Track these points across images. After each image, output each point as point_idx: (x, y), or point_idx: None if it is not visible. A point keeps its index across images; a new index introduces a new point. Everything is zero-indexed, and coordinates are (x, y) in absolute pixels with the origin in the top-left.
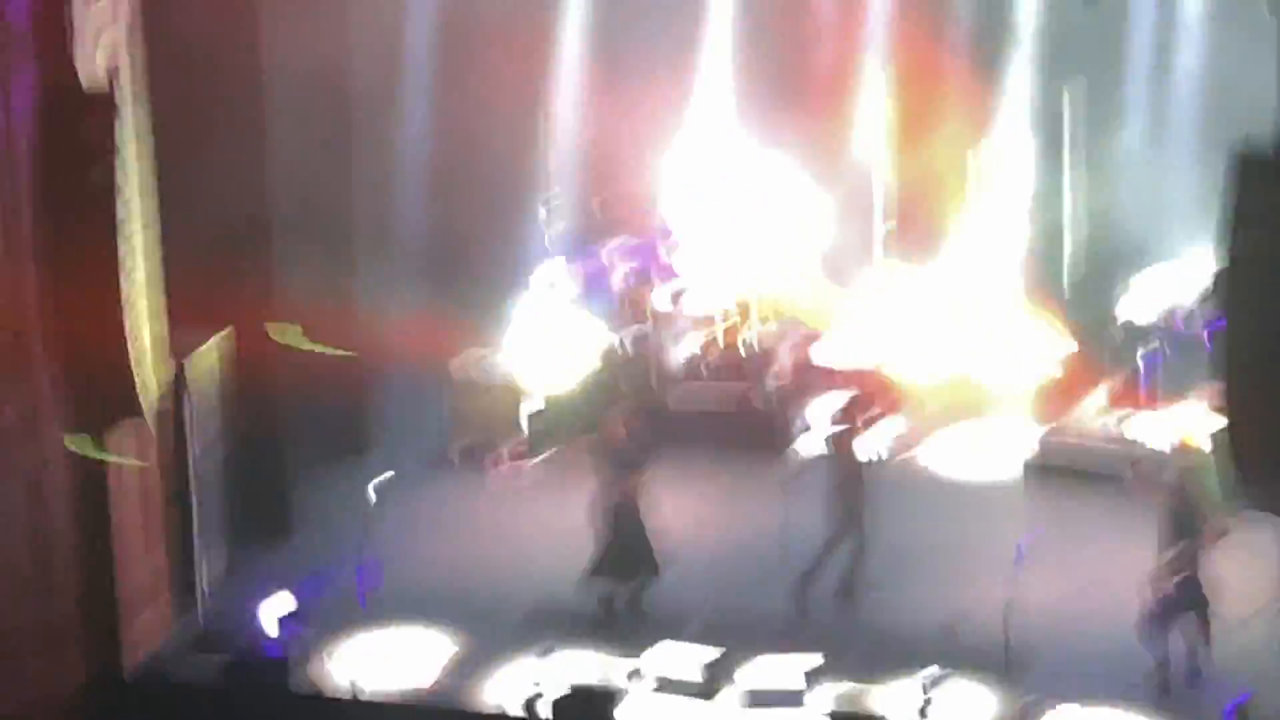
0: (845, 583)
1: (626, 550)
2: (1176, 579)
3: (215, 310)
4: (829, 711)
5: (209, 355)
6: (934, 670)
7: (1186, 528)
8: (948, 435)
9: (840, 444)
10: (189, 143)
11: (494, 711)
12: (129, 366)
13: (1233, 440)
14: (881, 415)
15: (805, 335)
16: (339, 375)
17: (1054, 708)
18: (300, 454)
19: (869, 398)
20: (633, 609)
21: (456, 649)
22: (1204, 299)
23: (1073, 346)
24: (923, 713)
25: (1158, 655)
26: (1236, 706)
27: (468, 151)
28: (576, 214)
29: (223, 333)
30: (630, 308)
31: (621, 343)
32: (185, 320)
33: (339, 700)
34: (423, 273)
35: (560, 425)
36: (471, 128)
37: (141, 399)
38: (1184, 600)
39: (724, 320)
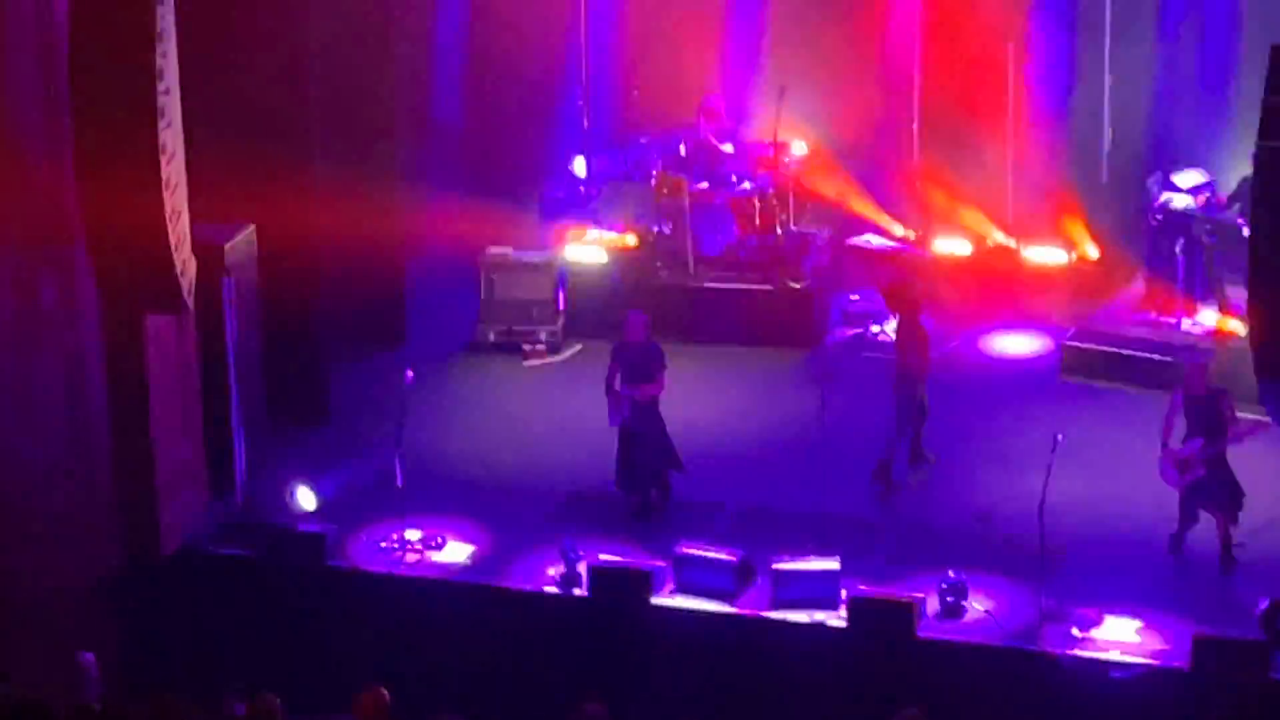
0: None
1: (644, 464)
2: (1205, 466)
3: (250, 200)
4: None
5: (245, 245)
6: (951, 575)
7: (1214, 419)
8: (984, 327)
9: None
10: (223, 31)
11: (530, 589)
12: (169, 252)
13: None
14: (917, 305)
15: (844, 221)
16: (374, 265)
17: (1078, 612)
18: (335, 343)
19: (905, 286)
20: (663, 505)
21: (490, 534)
22: (1241, 187)
23: (1111, 237)
24: (945, 614)
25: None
26: (1263, 611)
27: (504, 41)
28: (614, 101)
29: (256, 225)
30: (668, 192)
31: (659, 227)
32: (220, 210)
33: (375, 575)
34: (458, 163)
35: (596, 315)
36: (508, 16)
37: (181, 284)
38: (1211, 488)
39: (761, 205)
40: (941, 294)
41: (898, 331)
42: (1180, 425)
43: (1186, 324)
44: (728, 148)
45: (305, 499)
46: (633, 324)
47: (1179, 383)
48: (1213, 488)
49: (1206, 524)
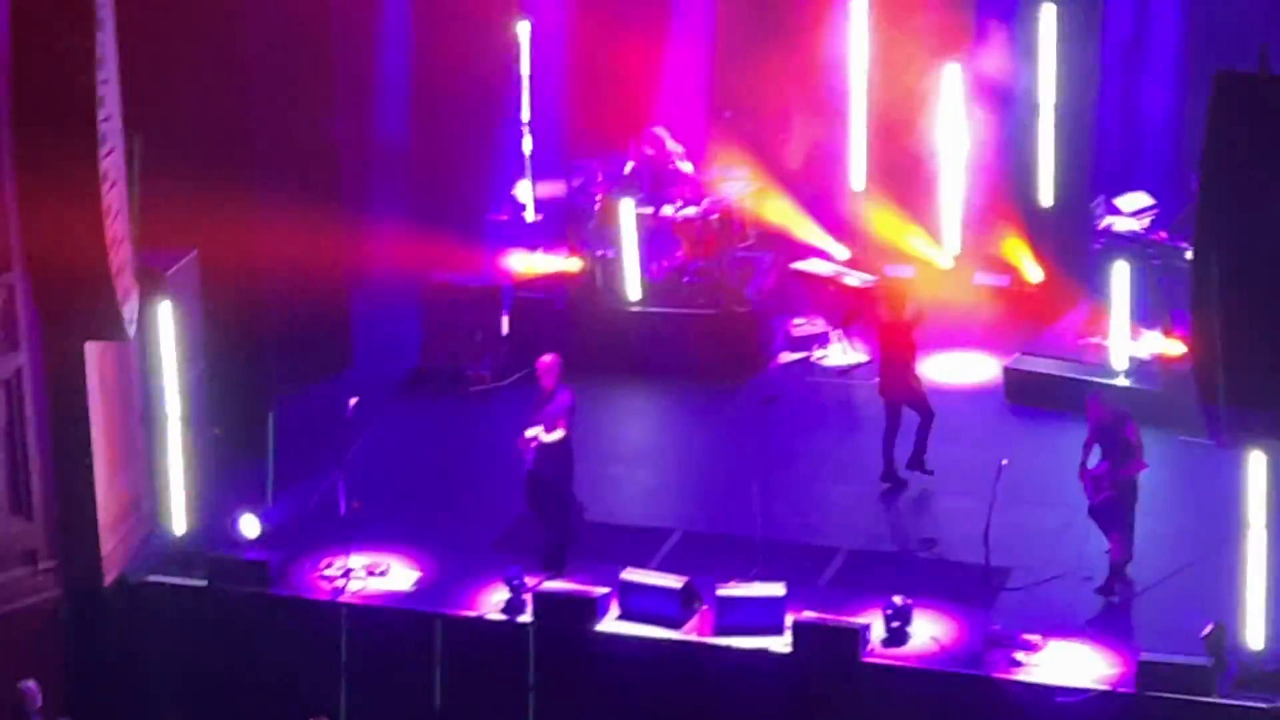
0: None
1: (548, 511)
2: (1114, 489)
3: (192, 228)
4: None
5: (188, 271)
6: (898, 600)
7: (1120, 444)
8: (932, 349)
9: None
10: (165, 61)
11: (474, 616)
12: (110, 279)
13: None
14: (862, 328)
15: (787, 245)
16: (318, 291)
17: (1022, 637)
18: (279, 371)
19: (852, 311)
20: (550, 566)
21: (435, 561)
22: (1184, 210)
23: (1054, 261)
24: (890, 639)
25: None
26: (1207, 634)
27: (448, 66)
28: (557, 129)
29: (198, 251)
30: (610, 218)
31: (603, 252)
32: (162, 239)
33: (320, 603)
34: (402, 189)
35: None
36: (451, 42)
37: (124, 311)
38: (1115, 512)
39: (705, 229)
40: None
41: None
42: (1096, 449)
43: (1131, 348)
44: (687, 166)
45: (249, 527)
46: (542, 370)
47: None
48: (1116, 512)
49: (1148, 550)
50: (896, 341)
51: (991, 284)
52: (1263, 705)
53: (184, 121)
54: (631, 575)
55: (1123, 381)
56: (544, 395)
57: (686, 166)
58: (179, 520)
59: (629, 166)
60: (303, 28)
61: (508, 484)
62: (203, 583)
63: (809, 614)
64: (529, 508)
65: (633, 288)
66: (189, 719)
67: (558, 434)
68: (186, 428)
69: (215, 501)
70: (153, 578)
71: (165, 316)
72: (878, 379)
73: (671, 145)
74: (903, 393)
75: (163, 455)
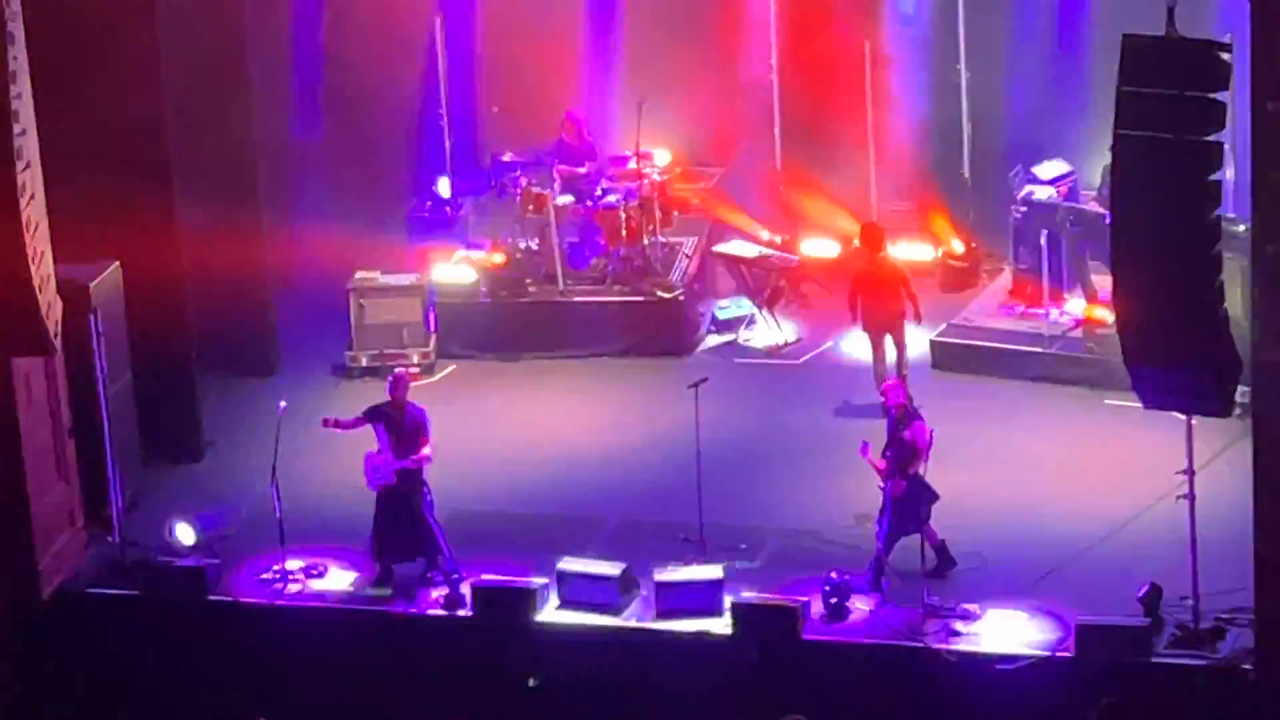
0: None
1: (402, 534)
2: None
3: (113, 237)
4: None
5: (110, 282)
6: (834, 576)
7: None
8: (855, 328)
9: None
10: (76, 71)
11: (413, 612)
12: (33, 294)
13: (1134, 316)
14: (788, 306)
15: (709, 229)
16: (241, 295)
17: (960, 607)
18: (206, 377)
19: (776, 291)
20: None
21: (371, 559)
22: (1102, 176)
23: (975, 231)
24: (829, 615)
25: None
26: (1143, 594)
27: (363, 63)
28: (474, 123)
29: (120, 261)
30: (533, 208)
31: (526, 243)
32: (83, 249)
33: (258, 607)
34: (321, 187)
35: (467, 335)
36: (365, 38)
37: (47, 325)
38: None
39: (626, 216)
40: (810, 297)
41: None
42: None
43: (1054, 314)
44: (605, 154)
45: (184, 534)
46: (396, 382)
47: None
48: (899, 505)
49: (1081, 514)
50: (878, 278)
51: (914, 257)
52: (1200, 663)
53: (99, 131)
54: (569, 564)
55: (1047, 348)
56: (395, 410)
57: (597, 157)
58: (114, 530)
59: (549, 157)
60: (215, 29)
61: (439, 479)
62: (140, 591)
63: (748, 594)
64: (378, 530)
65: (557, 278)
66: None
67: (427, 454)
68: (116, 438)
69: (149, 510)
70: (90, 589)
71: (90, 329)
72: (859, 317)
73: (587, 135)
74: (885, 323)
75: (94, 467)
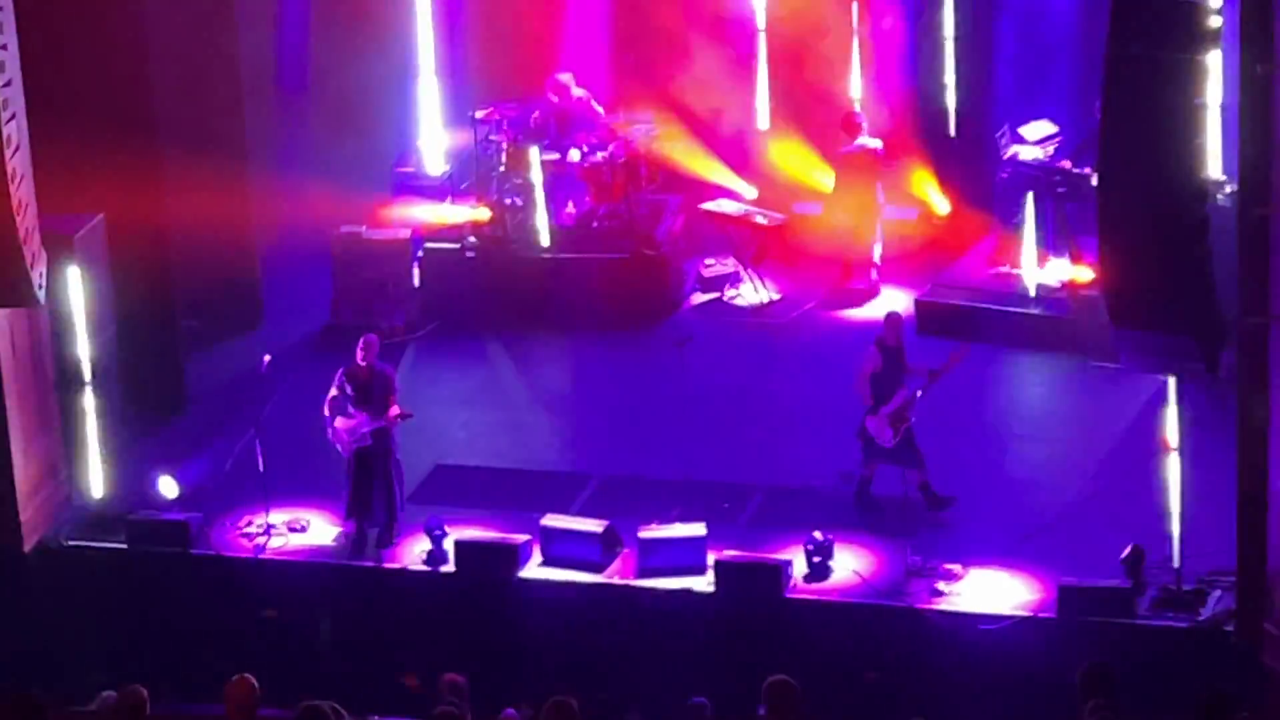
0: None
1: (376, 494)
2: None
3: (98, 188)
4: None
5: (95, 234)
6: (817, 535)
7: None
8: (840, 289)
9: None
10: (63, 22)
11: (397, 567)
12: (18, 245)
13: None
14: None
15: (695, 187)
16: (226, 249)
17: (943, 567)
18: (191, 329)
19: (762, 249)
20: (381, 542)
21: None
22: (1089, 137)
23: (961, 192)
24: (812, 574)
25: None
26: (1125, 557)
27: (351, 16)
28: (461, 78)
29: (105, 213)
30: (517, 166)
31: (511, 200)
32: (69, 200)
33: (241, 561)
34: (308, 141)
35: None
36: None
37: (32, 277)
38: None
39: (612, 174)
40: (797, 257)
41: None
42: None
43: (1039, 275)
44: (594, 110)
45: (167, 488)
46: (367, 345)
47: (876, 339)
48: (913, 437)
49: (1064, 475)
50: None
51: (900, 217)
52: (1182, 625)
53: (85, 84)
54: (552, 521)
55: (1032, 309)
56: (362, 372)
57: (593, 110)
58: (96, 484)
59: (535, 114)
60: None
61: (422, 435)
62: (123, 545)
63: (731, 553)
64: (353, 492)
65: (542, 235)
66: (113, 682)
67: (395, 411)
68: (100, 391)
69: (132, 464)
70: (72, 542)
71: (74, 281)
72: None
73: (576, 91)
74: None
75: (78, 420)
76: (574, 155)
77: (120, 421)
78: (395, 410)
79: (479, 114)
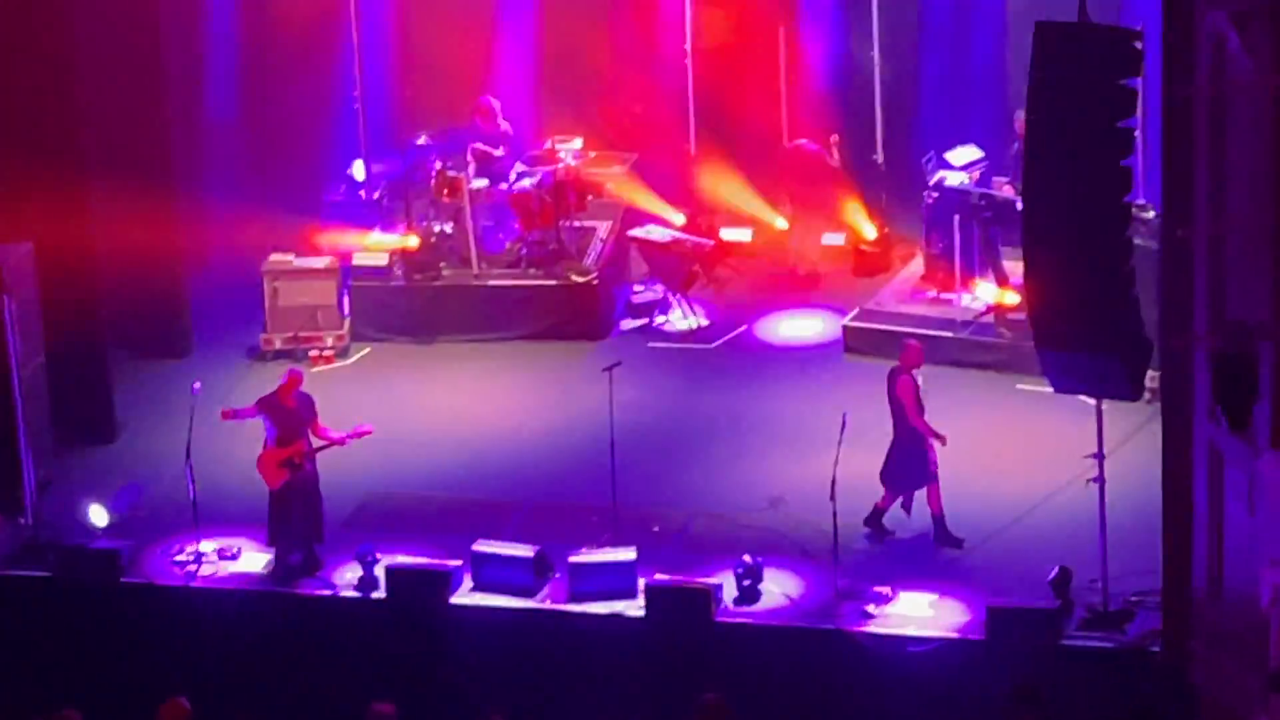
0: None
1: (298, 522)
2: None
3: (26, 217)
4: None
5: (23, 262)
6: (746, 559)
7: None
8: (770, 310)
9: None
10: None
11: (328, 594)
12: None
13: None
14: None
15: (623, 214)
16: (155, 276)
17: (872, 589)
18: (120, 356)
19: (691, 275)
20: (308, 568)
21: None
22: (1013, 161)
23: (888, 217)
24: (742, 598)
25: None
26: (1053, 578)
27: (279, 43)
28: (389, 105)
29: (33, 241)
30: (447, 192)
31: (440, 227)
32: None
33: (172, 589)
34: (236, 169)
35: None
36: (281, 18)
37: None
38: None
39: (541, 200)
40: (724, 280)
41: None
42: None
43: (966, 299)
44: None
45: (97, 516)
46: (292, 382)
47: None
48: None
49: (991, 498)
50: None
51: (828, 242)
52: (1109, 645)
53: (12, 112)
54: (483, 547)
55: (959, 333)
56: (282, 407)
57: (512, 141)
58: (26, 512)
59: (471, 144)
60: (130, 8)
61: (353, 462)
62: (52, 574)
63: (661, 577)
64: (276, 521)
65: (471, 261)
66: (44, 710)
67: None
68: (29, 419)
69: (62, 492)
70: (2, 571)
71: (2, 310)
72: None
73: (503, 123)
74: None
75: (8, 447)
76: (502, 183)
77: (49, 450)
78: (368, 428)
79: (410, 141)
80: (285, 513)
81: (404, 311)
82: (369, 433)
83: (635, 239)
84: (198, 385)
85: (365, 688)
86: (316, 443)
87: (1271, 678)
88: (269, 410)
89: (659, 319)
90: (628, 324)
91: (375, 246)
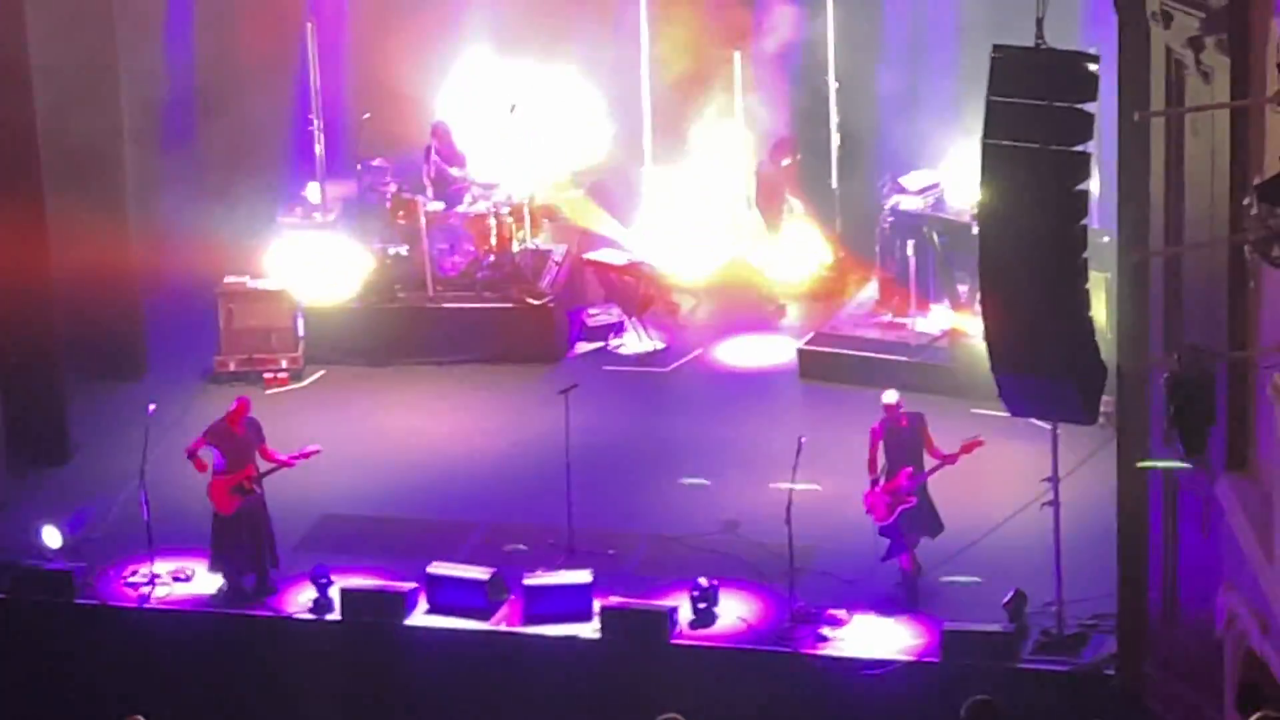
0: None
1: (245, 545)
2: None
3: None
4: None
5: None
6: (702, 582)
7: (916, 445)
8: (726, 334)
9: None
10: None
11: (281, 615)
12: None
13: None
14: (658, 314)
15: (579, 237)
16: (110, 298)
17: (827, 612)
18: (74, 378)
19: (645, 299)
20: (260, 591)
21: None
22: (968, 186)
23: (843, 241)
24: (697, 620)
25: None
26: (1008, 601)
27: (235, 68)
28: (344, 129)
29: None
30: (403, 215)
31: (396, 249)
32: None
33: (125, 610)
34: (191, 192)
35: (336, 340)
36: (237, 43)
37: None
38: (922, 513)
39: (496, 223)
40: (679, 306)
41: None
42: (881, 459)
43: (920, 323)
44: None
45: (51, 537)
46: (240, 411)
47: (880, 419)
48: (923, 513)
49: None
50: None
51: (786, 259)
52: (1064, 668)
53: None
54: (438, 569)
55: (913, 357)
56: (232, 434)
57: (467, 164)
58: None
59: (418, 164)
60: (86, 32)
61: (308, 484)
62: (6, 595)
63: (616, 599)
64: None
65: (426, 284)
66: None
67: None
68: None
69: (16, 513)
70: None
71: None
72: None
73: (457, 144)
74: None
75: None
76: (458, 206)
77: (3, 471)
78: (314, 449)
79: (365, 163)
80: (232, 538)
81: (359, 334)
82: (316, 453)
83: (591, 262)
84: (152, 407)
85: (320, 710)
86: (264, 465)
87: (1238, 697)
88: (218, 438)
89: (614, 342)
90: (583, 347)
91: (330, 269)
